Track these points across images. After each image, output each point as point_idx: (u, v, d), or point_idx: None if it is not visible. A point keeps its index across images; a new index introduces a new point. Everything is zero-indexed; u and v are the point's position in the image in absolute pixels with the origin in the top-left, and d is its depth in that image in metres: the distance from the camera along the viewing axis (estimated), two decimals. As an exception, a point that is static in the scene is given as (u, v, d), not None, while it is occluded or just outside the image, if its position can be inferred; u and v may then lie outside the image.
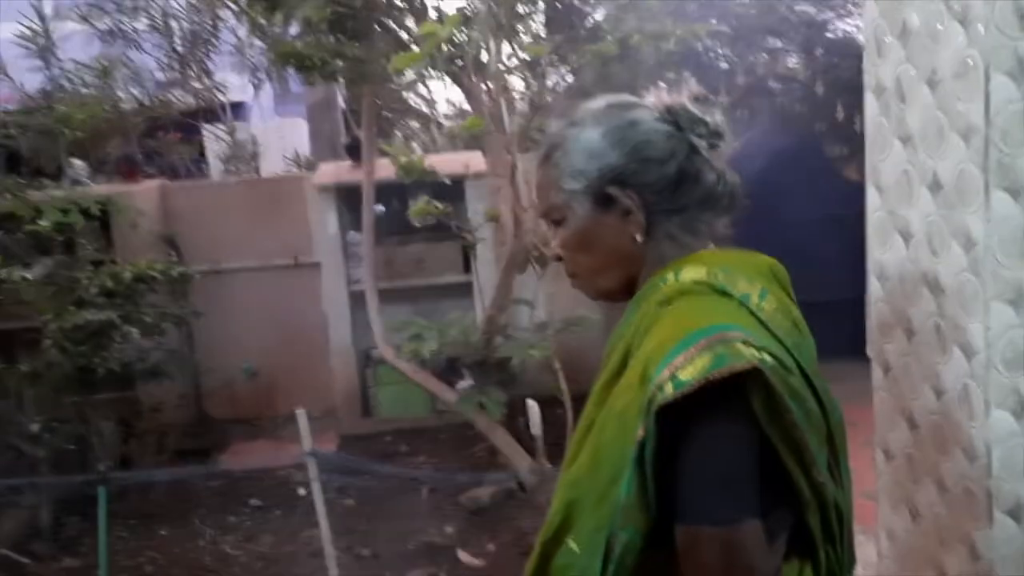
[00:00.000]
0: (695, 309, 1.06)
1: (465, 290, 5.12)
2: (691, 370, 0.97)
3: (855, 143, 4.47)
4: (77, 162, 5.36)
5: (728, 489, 0.99)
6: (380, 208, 5.30)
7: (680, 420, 0.99)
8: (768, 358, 1.01)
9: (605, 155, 1.15)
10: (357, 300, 5.32)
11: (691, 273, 1.11)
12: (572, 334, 4.19)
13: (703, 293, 1.08)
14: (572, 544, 1.09)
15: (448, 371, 4.74)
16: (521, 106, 4.50)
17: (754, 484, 0.99)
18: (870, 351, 2.14)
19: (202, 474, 4.35)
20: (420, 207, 4.54)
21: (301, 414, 2.91)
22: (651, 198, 1.14)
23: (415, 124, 8.52)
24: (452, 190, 4.85)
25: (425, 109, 8.22)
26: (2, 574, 3.66)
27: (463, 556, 3.62)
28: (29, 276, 4.20)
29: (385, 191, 5.11)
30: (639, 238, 1.15)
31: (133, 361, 4.45)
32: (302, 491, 4.20)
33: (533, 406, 3.51)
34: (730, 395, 0.99)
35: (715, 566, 0.97)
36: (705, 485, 0.99)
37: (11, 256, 4.30)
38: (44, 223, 4.24)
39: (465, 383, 4.50)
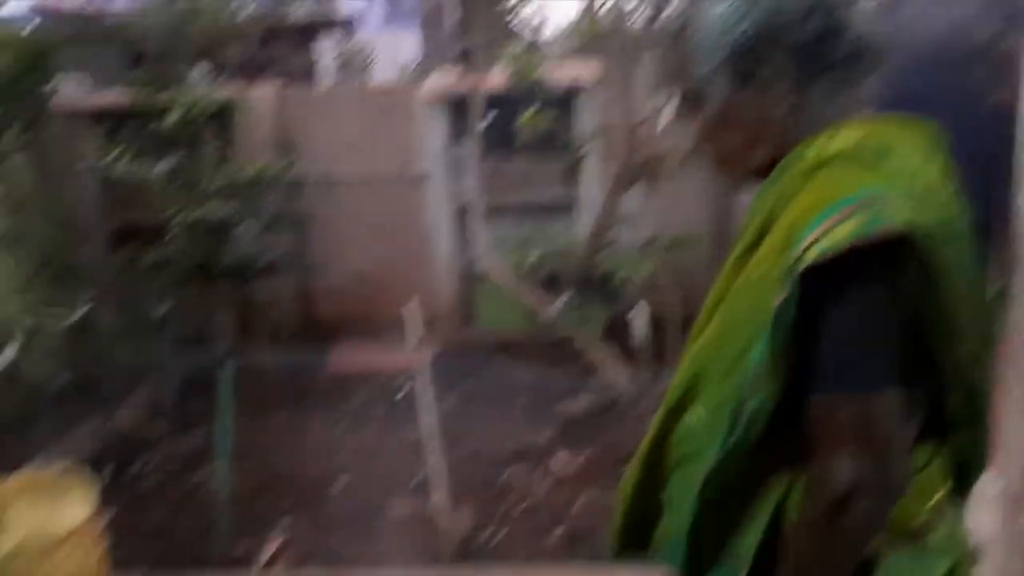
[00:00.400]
0: (847, 175, 0.99)
1: (570, 207, 5.07)
2: (841, 233, 0.91)
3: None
4: (200, 65, 5.52)
5: (869, 356, 0.93)
6: (488, 121, 5.27)
7: (824, 285, 0.93)
8: (923, 225, 0.94)
9: (739, 25, 1.07)
10: (462, 213, 5.36)
11: (844, 139, 1.03)
12: (679, 254, 4.11)
13: (856, 159, 1.01)
14: (695, 415, 1.07)
15: (549, 286, 4.74)
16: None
17: (896, 354, 0.94)
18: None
19: (316, 364, 4.52)
20: (529, 117, 4.49)
21: (412, 309, 2.97)
22: (793, 63, 1.06)
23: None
24: (562, 103, 4.77)
25: (533, 29, 8.06)
26: (128, 448, 3.94)
27: (557, 460, 3.67)
28: (156, 171, 4.40)
29: (494, 104, 5.06)
30: (784, 109, 1.08)
31: (249, 258, 4.63)
32: (404, 391, 4.35)
33: (638, 315, 3.48)
34: (879, 261, 0.92)
35: (849, 435, 0.92)
36: (845, 351, 0.94)
37: (140, 152, 4.50)
38: (170, 120, 4.41)
39: (566, 298, 4.49)
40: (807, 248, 0.92)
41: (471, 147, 4.91)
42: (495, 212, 5.07)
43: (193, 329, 4.31)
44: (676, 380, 1.11)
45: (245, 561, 3.01)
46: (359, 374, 4.86)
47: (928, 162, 1.05)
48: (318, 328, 5.44)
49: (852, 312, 0.93)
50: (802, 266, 0.93)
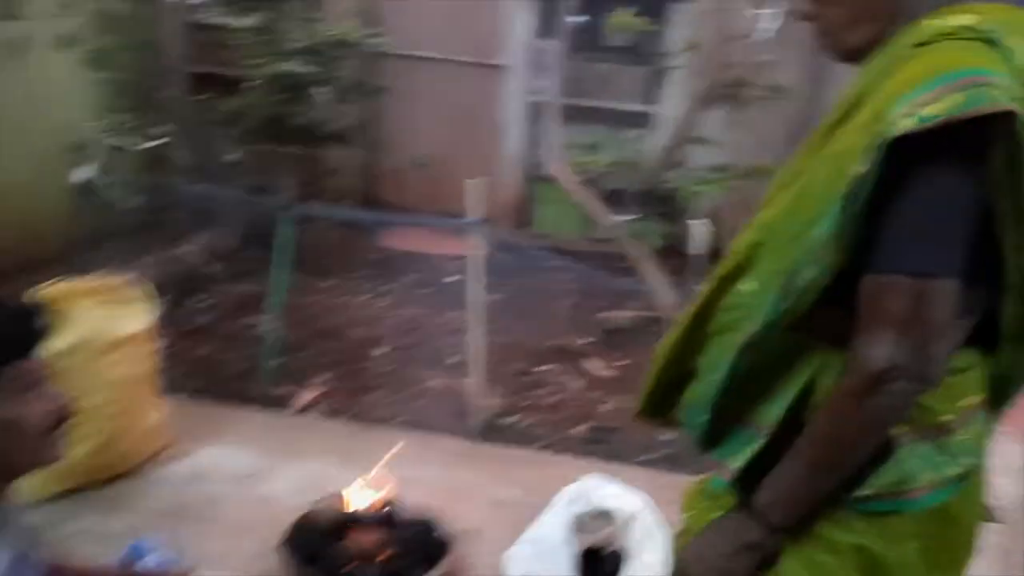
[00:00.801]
0: (953, 53, 0.95)
1: (647, 120, 4.97)
2: (937, 107, 0.88)
3: None
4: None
5: (935, 241, 0.92)
6: (577, 19, 5.12)
7: (908, 160, 0.91)
8: None
9: None
10: (534, 111, 5.28)
11: (953, 21, 0.99)
12: (749, 183, 4.01)
13: (964, 39, 0.96)
14: (747, 285, 1.07)
15: (612, 197, 4.69)
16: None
17: (962, 246, 0.92)
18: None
19: (372, 236, 4.59)
20: (619, 19, 4.36)
21: (474, 184, 2.98)
22: None
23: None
24: (656, 10, 4.61)
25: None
26: (187, 284, 4.09)
27: (591, 364, 3.72)
28: (242, 23, 4.40)
29: (585, 1, 4.91)
30: None
31: (320, 122, 4.65)
32: (454, 275, 4.41)
33: (696, 234, 3.44)
34: (971, 142, 0.90)
35: (898, 315, 0.92)
36: (913, 232, 0.92)
37: (230, 3, 4.50)
38: (263, -28, 4.38)
39: (627, 212, 4.45)
40: (896, 120, 0.90)
41: (556, 43, 4.79)
42: (570, 114, 4.98)
43: (258, 182, 4.38)
44: (734, 249, 1.11)
45: (282, 403, 3.16)
46: (412, 252, 4.94)
47: None
48: (377, 202, 5.50)
49: (929, 192, 0.92)
50: (891, 136, 0.90)
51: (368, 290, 4.43)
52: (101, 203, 2.99)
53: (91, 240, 3.29)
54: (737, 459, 1.09)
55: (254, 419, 2.97)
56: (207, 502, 2.40)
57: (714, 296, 1.13)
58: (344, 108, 4.76)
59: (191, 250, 3.95)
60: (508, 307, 4.29)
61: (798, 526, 1.05)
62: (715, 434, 1.14)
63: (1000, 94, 0.88)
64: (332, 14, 5.04)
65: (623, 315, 4.11)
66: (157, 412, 2.58)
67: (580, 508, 2.03)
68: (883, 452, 1.02)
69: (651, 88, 5.14)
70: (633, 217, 4.33)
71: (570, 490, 2.11)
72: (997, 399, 1.10)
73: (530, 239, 5.41)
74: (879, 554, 1.06)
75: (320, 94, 4.42)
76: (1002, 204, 0.94)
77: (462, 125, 5.60)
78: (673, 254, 4.13)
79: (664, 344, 1.21)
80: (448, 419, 3.11)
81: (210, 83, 4.87)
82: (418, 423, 3.06)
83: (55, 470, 2.12)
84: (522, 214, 5.63)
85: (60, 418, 1.19)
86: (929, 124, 0.88)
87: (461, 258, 4.06)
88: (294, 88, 4.38)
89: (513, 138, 5.52)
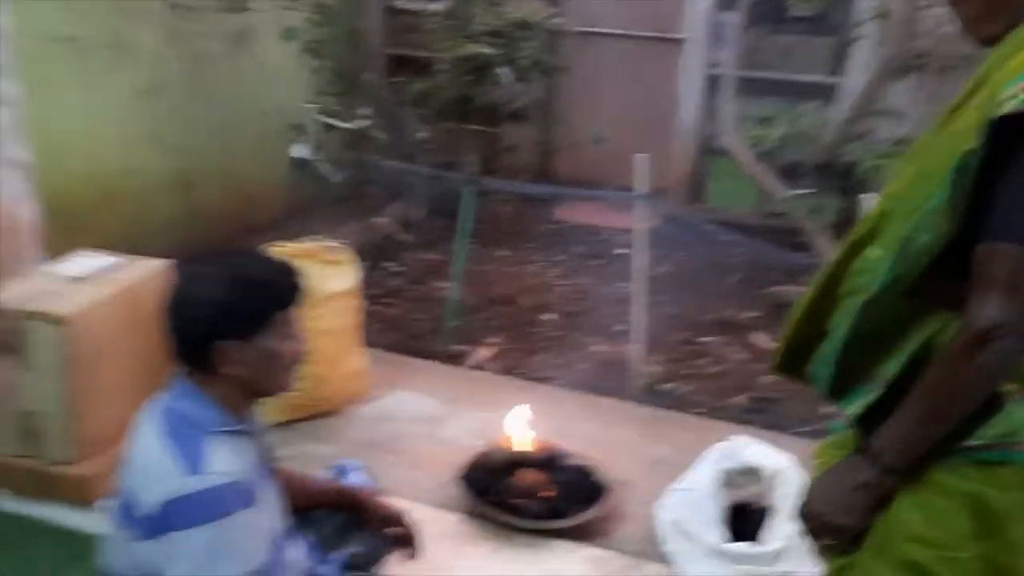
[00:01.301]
0: None
1: (829, 92, 4.84)
2: None
3: None
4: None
5: None
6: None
7: (1015, 139, 0.99)
8: None
9: None
10: (713, 84, 5.27)
11: None
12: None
13: None
14: (873, 251, 1.18)
15: (788, 171, 4.63)
16: None
17: None
18: None
19: (545, 210, 4.83)
20: (802, -9, 4.29)
21: (641, 158, 3.13)
22: None
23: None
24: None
25: None
26: (382, 251, 4.52)
27: (755, 338, 3.77)
28: (435, 7, 4.74)
29: (769, -28, 4.84)
30: None
31: (501, 101, 4.92)
32: (623, 248, 4.56)
33: (872, 198, 3.37)
34: None
35: (1005, 280, 1.00)
36: (1019, 205, 1.00)
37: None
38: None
39: (802, 186, 4.39)
40: (1006, 100, 0.98)
41: (737, 15, 4.77)
42: (749, 87, 4.95)
43: (445, 158, 4.73)
44: (867, 215, 1.22)
45: (460, 359, 3.48)
46: (584, 226, 5.14)
47: None
48: (554, 177, 5.73)
49: None
50: (997, 115, 0.99)
51: (540, 260, 4.69)
52: (312, 177, 3.42)
53: (303, 209, 3.75)
54: (855, 407, 1.21)
55: (436, 370, 3.31)
56: (395, 438, 2.75)
57: (845, 261, 1.24)
58: (524, 87, 4.99)
59: (385, 221, 4.36)
60: (676, 279, 4.40)
61: (909, 469, 1.16)
62: (840, 388, 1.26)
63: None
64: (515, -3, 5.30)
65: (793, 290, 4.09)
66: (358, 360, 2.97)
67: (729, 464, 2.16)
68: (991, 405, 1.10)
69: (835, 59, 4.98)
70: (808, 191, 4.27)
71: (720, 446, 2.24)
72: None
73: (703, 213, 5.44)
74: (991, 500, 1.14)
75: (503, 74, 4.68)
76: None
77: (639, 100, 5.69)
78: (848, 229, 4.05)
79: (799, 304, 1.33)
80: (610, 382, 3.30)
81: (405, 65, 5.28)
82: (582, 384, 3.27)
83: (280, 402, 2.54)
84: (696, 188, 5.65)
85: (299, 358, 1.52)
86: None
87: (631, 231, 4.21)
88: (479, 69, 4.67)
89: (689, 112, 5.54)
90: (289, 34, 3.60)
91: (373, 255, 4.25)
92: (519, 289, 4.30)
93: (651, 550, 2.22)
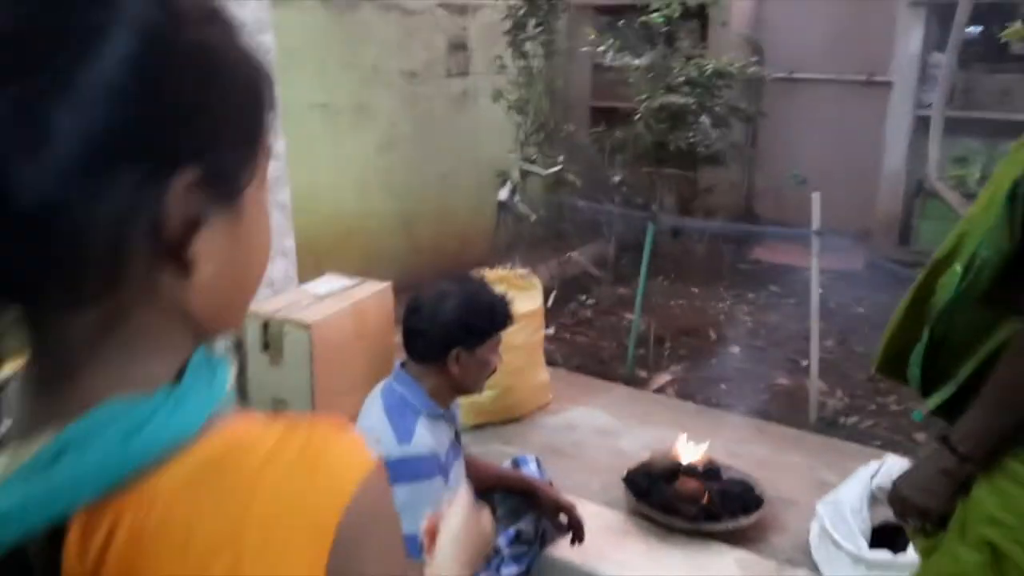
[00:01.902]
0: None
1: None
2: None
3: None
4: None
5: None
6: (974, 29, 4.92)
7: None
8: None
9: None
10: (922, 125, 5.16)
11: None
12: None
13: None
14: (953, 268, 1.34)
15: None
16: None
17: None
18: None
19: (740, 250, 4.97)
20: (1016, 29, 4.17)
21: (815, 197, 3.25)
22: None
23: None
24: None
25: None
26: (576, 285, 4.90)
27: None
28: (637, 62, 5.10)
29: (984, 10, 4.70)
30: None
31: (699, 146, 5.16)
32: (819, 290, 4.59)
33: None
34: None
35: None
36: None
37: (625, 45, 5.24)
38: (656, 16, 5.04)
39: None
40: None
41: (947, 55, 4.68)
42: (961, 127, 4.82)
43: (639, 201, 5.04)
44: (949, 236, 1.39)
45: (641, 384, 3.74)
46: (781, 265, 5.19)
47: None
48: (753, 219, 5.82)
49: None
50: None
51: (731, 297, 4.83)
52: (515, 216, 3.87)
53: (507, 246, 4.22)
54: (934, 400, 1.36)
55: (617, 391, 3.58)
56: (572, 445, 3.06)
57: (932, 275, 1.41)
58: (721, 131, 5.20)
59: (580, 257, 4.74)
60: (871, 319, 4.36)
61: (984, 458, 1.29)
62: (929, 387, 1.41)
63: None
64: (717, 47, 5.54)
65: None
66: (542, 375, 3.33)
67: (880, 482, 2.24)
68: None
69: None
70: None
71: (873, 464, 2.32)
72: None
73: (908, 256, 5.28)
74: (1063, 488, 1.25)
75: (699, 121, 4.93)
76: None
77: (843, 142, 5.66)
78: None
79: (895, 314, 1.50)
80: (787, 412, 3.40)
81: (608, 115, 5.69)
82: (758, 412, 3.39)
83: (472, 407, 2.96)
84: (905, 230, 5.50)
85: (495, 370, 1.97)
86: None
87: (828, 272, 4.25)
88: (675, 116, 4.96)
89: (897, 154, 5.44)
90: (496, 95, 4.13)
91: (568, 288, 4.63)
92: (706, 323, 4.47)
93: (800, 559, 2.34)
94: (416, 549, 1.75)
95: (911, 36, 5.27)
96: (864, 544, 2.12)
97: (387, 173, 4.65)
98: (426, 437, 1.84)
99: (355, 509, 0.50)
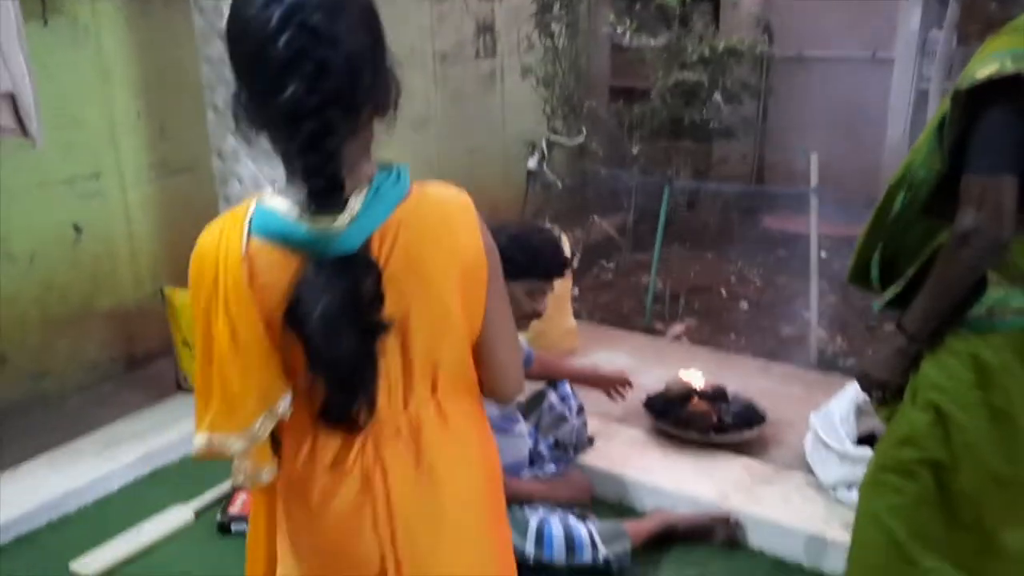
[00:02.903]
0: (1005, 38, 1.50)
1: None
2: (986, 71, 1.47)
3: None
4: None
5: (994, 152, 1.49)
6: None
7: (974, 104, 1.51)
8: None
9: None
10: (922, 99, 5.48)
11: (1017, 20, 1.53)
12: None
13: (1017, 30, 1.50)
14: (900, 193, 1.71)
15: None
16: None
17: (1015, 154, 1.48)
18: None
19: (750, 219, 5.32)
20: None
21: (813, 157, 3.60)
22: None
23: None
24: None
25: None
26: (598, 249, 5.26)
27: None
28: (653, 42, 5.44)
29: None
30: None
31: (712, 120, 5.49)
32: (825, 254, 4.94)
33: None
34: (1012, 94, 1.46)
35: (976, 199, 1.51)
36: (982, 147, 1.51)
37: (643, 26, 5.58)
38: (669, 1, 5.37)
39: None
40: (961, 79, 1.51)
41: (944, 32, 4.99)
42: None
43: (655, 172, 5.39)
44: (900, 165, 1.75)
45: (659, 333, 4.12)
46: (791, 233, 5.53)
47: None
48: (760, 191, 6.16)
49: (988, 125, 1.51)
50: (961, 87, 1.52)
51: (741, 261, 5.19)
52: (542, 185, 4.24)
53: (536, 214, 4.60)
54: (889, 293, 1.74)
55: (637, 339, 3.97)
56: (599, 380, 3.45)
57: (888, 199, 1.78)
58: (733, 107, 5.54)
59: (603, 223, 5.11)
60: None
61: (929, 337, 1.67)
62: (887, 286, 1.79)
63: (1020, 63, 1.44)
64: (727, 28, 5.88)
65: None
66: (570, 321, 3.73)
67: (864, 396, 2.62)
68: (978, 287, 1.60)
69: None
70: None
71: (857, 383, 2.70)
72: None
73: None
74: (987, 358, 1.62)
75: (712, 97, 5.27)
76: None
77: (849, 116, 5.98)
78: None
79: (861, 233, 1.87)
80: (791, 355, 3.77)
81: (626, 93, 6.04)
82: (765, 353, 3.77)
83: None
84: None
85: (534, 317, 2.34)
86: (975, 83, 1.48)
87: (833, 237, 4.59)
88: (690, 93, 5.31)
89: (898, 126, 5.76)
90: (525, 70, 4.51)
91: (591, 253, 5.01)
92: (718, 282, 4.85)
93: (796, 464, 2.73)
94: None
95: (911, 14, 5.58)
96: (850, 445, 2.50)
97: (422, 148, 5.04)
98: None
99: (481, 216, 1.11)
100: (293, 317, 0.94)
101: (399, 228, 0.99)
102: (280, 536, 1.03)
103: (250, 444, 0.94)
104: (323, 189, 0.94)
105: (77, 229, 3.40)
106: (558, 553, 2.24)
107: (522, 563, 2.23)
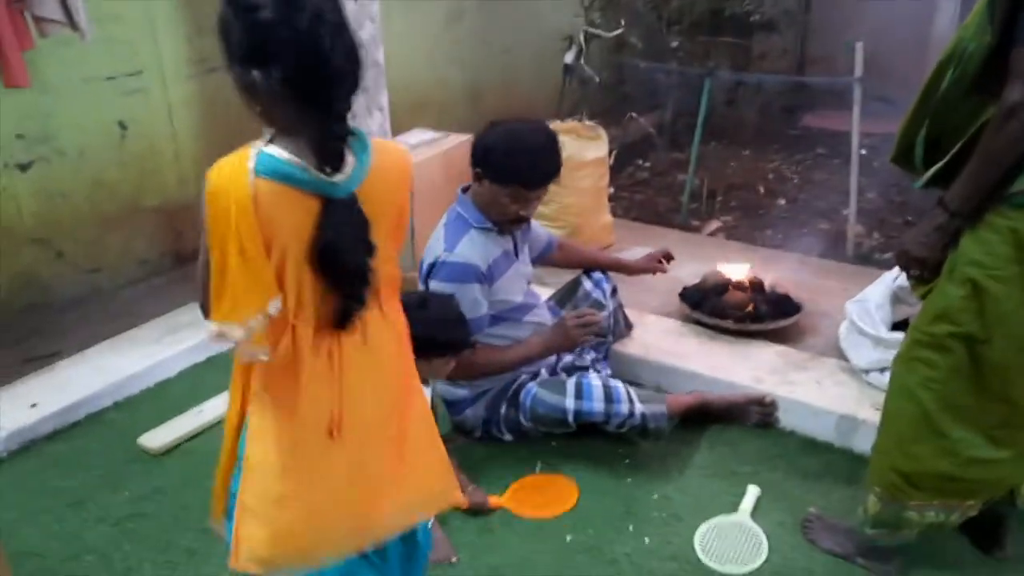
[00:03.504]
0: None
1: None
2: None
3: None
4: None
5: None
6: None
7: None
8: None
9: None
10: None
11: None
12: None
13: None
14: (950, 70, 1.69)
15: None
16: None
17: None
18: None
19: (794, 116, 5.21)
20: None
21: (858, 46, 3.51)
22: None
23: None
24: None
25: None
26: (636, 148, 5.22)
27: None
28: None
29: None
30: None
31: (753, 13, 5.33)
32: (864, 152, 4.86)
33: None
34: None
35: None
36: None
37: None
38: None
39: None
40: None
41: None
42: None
43: (695, 66, 5.29)
44: (949, 41, 1.73)
45: (696, 230, 4.14)
46: (831, 131, 5.44)
47: None
48: (804, 88, 6.02)
49: None
50: None
51: (780, 159, 5.13)
52: (580, 79, 4.18)
53: (573, 110, 4.56)
54: (932, 171, 1.75)
55: (673, 235, 3.99)
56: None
57: (937, 76, 1.76)
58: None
59: (640, 120, 5.05)
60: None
61: (969, 213, 1.68)
62: (929, 163, 1.79)
63: None
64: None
65: None
66: (606, 217, 3.76)
67: (901, 282, 2.64)
68: (1023, 161, 1.60)
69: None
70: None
71: (895, 270, 2.72)
72: None
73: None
74: (1024, 233, 1.64)
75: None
76: None
77: (895, 8, 5.76)
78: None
79: (907, 112, 1.86)
80: (828, 249, 3.78)
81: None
82: (802, 248, 3.78)
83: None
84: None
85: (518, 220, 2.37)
86: None
87: (875, 135, 4.50)
88: (730, -16, 5.15)
89: (945, 16, 5.55)
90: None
91: (628, 152, 4.98)
92: (756, 180, 4.81)
93: (831, 352, 2.79)
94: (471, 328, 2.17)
95: None
96: (884, 330, 2.54)
97: (456, 45, 4.97)
98: (468, 248, 2.28)
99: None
100: (325, 246, 1.23)
101: (369, 178, 1.28)
102: (258, 409, 1.34)
103: (248, 334, 1.24)
104: (339, 152, 1.24)
105: (122, 126, 3.46)
106: (597, 403, 2.34)
107: (563, 420, 2.35)
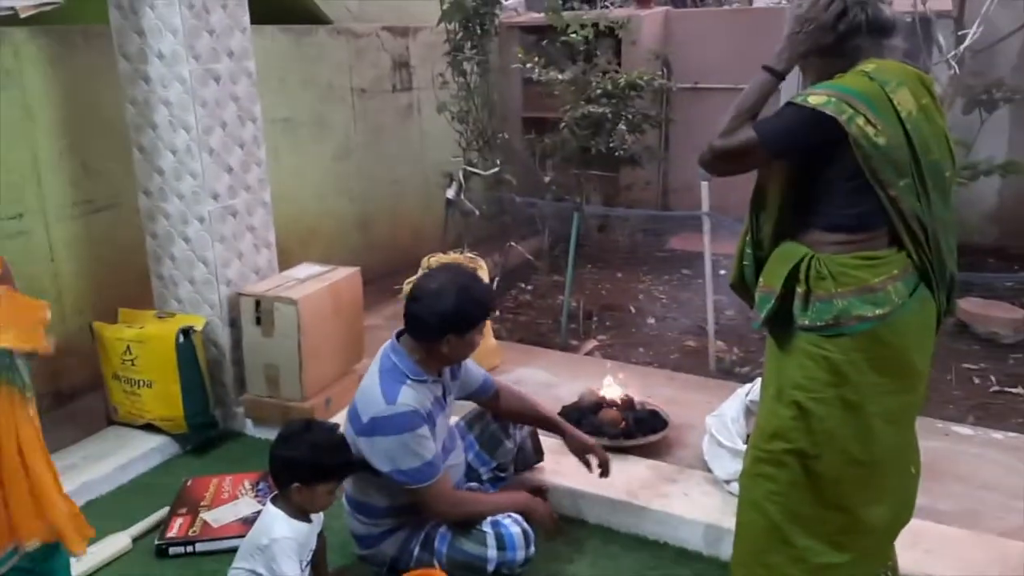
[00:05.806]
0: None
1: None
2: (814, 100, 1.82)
3: None
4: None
5: (772, 132, 1.93)
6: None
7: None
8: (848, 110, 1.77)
9: None
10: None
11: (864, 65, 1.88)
12: None
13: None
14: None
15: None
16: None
17: (790, 148, 1.92)
18: None
19: (656, 241, 5.67)
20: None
21: (704, 185, 3.96)
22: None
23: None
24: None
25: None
26: (516, 273, 5.53)
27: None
28: (561, 77, 5.77)
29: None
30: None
31: (618, 149, 5.84)
32: (723, 272, 5.33)
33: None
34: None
35: (740, 138, 1.98)
36: (771, 123, 1.94)
37: (550, 62, 5.91)
38: (575, 36, 5.72)
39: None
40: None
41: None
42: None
43: (568, 197, 5.72)
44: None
45: (573, 349, 4.40)
46: (695, 252, 5.93)
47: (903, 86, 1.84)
48: (665, 216, 6.58)
49: (783, 116, 1.90)
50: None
51: (648, 280, 5.55)
52: (461, 213, 4.48)
53: (455, 240, 4.83)
54: (763, 310, 2.03)
55: (553, 356, 4.24)
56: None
57: (751, 221, 2.09)
58: (636, 136, 5.90)
59: (520, 248, 5.38)
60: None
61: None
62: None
63: (837, 107, 1.78)
64: (630, 61, 6.27)
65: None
66: (492, 340, 3.97)
67: (752, 397, 2.94)
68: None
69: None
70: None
71: (747, 386, 3.02)
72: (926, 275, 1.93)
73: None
74: (837, 360, 1.91)
75: (617, 127, 5.62)
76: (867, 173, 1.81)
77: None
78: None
79: (737, 246, 2.17)
80: (693, 365, 4.10)
81: (536, 123, 6.36)
82: (669, 365, 4.10)
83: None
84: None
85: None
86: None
87: (730, 256, 4.95)
88: (596, 124, 5.65)
89: (787, 152, 6.25)
90: (441, 107, 4.78)
91: (509, 277, 5.28)
92: (627, 300, 5.18)
93: (697, 464, 3.02)
94: (419, 477, 2.25)
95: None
96: (740, 443, 2.81)
97: (344, 179, 5.22)
98: (409, 397, 2.32)
99: None
100: None
101: None
102: None
103: None
104: None
105: (2, 267, 3.45)
106: (519, 552, 2.37)
107: (482, 570, 2.37)
